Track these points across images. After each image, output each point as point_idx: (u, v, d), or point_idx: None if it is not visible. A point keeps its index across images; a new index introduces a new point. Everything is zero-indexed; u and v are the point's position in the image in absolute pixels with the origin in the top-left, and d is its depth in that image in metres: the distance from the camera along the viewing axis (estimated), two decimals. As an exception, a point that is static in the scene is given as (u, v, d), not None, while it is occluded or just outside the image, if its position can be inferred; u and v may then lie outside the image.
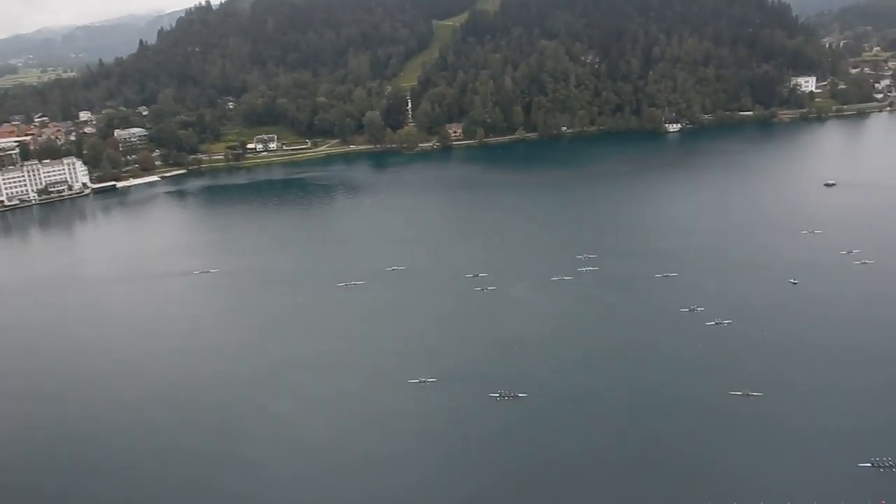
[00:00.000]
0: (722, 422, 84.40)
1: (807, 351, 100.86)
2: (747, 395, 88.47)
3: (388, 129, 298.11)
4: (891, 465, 72.63)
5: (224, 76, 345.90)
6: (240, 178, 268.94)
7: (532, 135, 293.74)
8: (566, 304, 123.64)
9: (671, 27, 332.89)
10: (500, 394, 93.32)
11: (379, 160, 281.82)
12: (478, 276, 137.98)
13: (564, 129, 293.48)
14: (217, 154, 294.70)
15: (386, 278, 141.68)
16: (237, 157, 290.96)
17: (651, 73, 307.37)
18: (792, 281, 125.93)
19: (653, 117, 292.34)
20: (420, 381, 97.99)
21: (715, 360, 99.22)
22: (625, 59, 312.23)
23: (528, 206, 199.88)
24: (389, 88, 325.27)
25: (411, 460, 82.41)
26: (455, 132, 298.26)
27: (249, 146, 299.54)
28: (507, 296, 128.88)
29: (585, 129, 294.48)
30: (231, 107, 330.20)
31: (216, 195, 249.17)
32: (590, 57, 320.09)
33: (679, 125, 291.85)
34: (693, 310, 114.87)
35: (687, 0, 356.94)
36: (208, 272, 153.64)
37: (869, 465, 73.46)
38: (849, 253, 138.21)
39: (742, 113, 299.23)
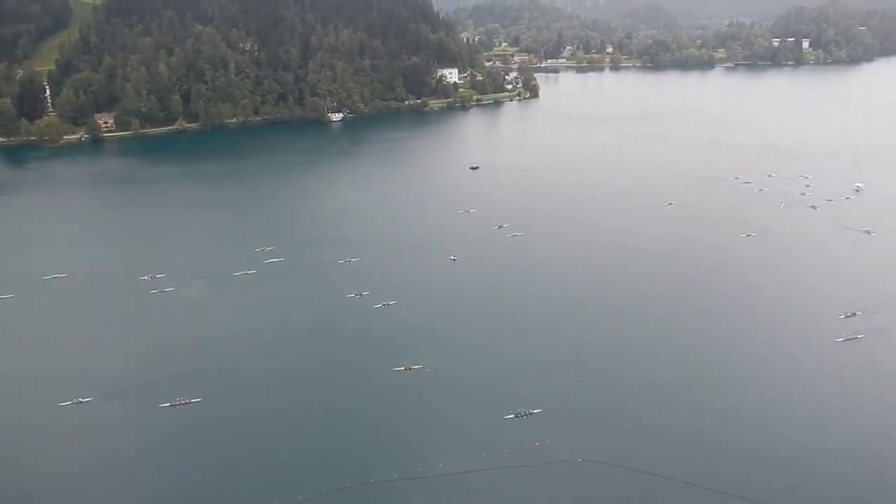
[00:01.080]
0: (387, 394, 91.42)
1: (463, 321, 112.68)
2: (409, 368, 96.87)
3: (24, 120, 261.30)
4: (527, 414, 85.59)
5: None
6: None
7: (194, 125, 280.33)
8: (247, 299, 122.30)
9: (326, 17, 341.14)
10: (172, 402, 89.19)
11: (14, 156, 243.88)
12: (155, 277, 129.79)
13: (228, 119, 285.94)
14: None
15: (42, 289, 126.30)
16: None
17: (311, 62, 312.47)
18: (452, 258, 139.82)
19: (316, 107, 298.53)
20: (74, 403, 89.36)
21: (381, 340, 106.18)
22: (284, 48, 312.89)
23: (202, 200, 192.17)
24: (21, 72, 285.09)
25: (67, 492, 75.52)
26: (106, 123, 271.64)
27: None
28: (186, 296, 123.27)
29: (250, 118, 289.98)
30: None
31: None
32: (248, 44, 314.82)
33: (342, 114, 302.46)
34: (360, 294, 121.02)
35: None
36: None
37: (513, 415, 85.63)
38: (500, 227, 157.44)
39: (397, 103, 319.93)
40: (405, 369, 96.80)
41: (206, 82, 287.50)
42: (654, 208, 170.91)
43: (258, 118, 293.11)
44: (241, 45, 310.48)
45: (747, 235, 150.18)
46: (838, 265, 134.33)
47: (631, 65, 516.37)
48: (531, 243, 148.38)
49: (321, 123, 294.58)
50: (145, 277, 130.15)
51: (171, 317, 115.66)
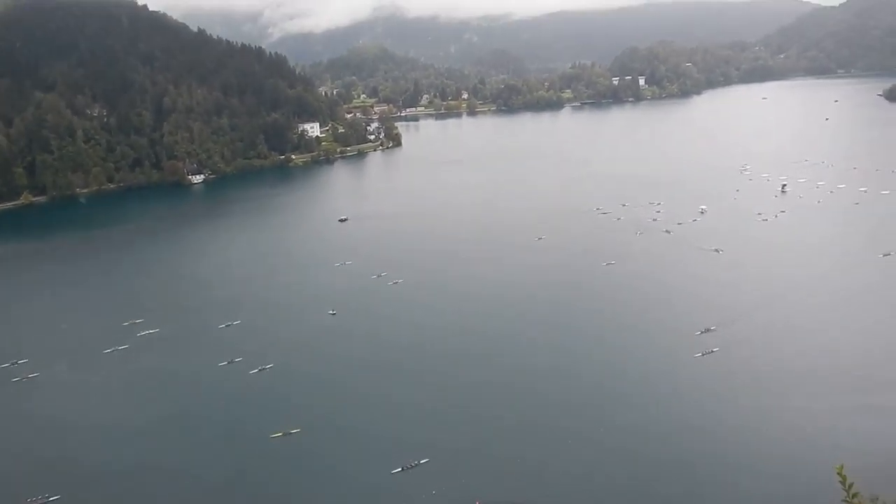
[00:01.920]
0: (265, 463, 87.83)
1: (344, 376, 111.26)
2: (287, 433, 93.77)
3: None
4: (416, 464, 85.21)
5: None
6: None
7: (41, 198, 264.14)
8: (119, 376, 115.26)
9: (178, 77, 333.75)
10: (30, 499, 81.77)
11: None
12: (17, 363, 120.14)
13: (80, 189, 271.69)
14: None
15: None
16: None
17: (165, 124, 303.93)
18: (331, 312, 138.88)
19: (175, 170, 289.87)
20: None
21: (257, 407, 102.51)
22: (135, 111, 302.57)
23: (61, 276, 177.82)
24: None
25: None
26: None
27: None
28: (51, 381, 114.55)
29: (104, 186, 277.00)
30: None
31: None
32: (96, 109, 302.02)
33: (202, 176, 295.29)
34: (232, 361, 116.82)
35: (189, 50, 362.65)
36: None
37: (400, 469, 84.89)
38: (378, 276, 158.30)
39: (260, 160, 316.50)
40: (283, 434, 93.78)
41: (52, 152, 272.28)
42: (524, 244, 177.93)
43: (113, 186, 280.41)
44: (89, 111, 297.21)
45: (607, 264, 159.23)
46: (693, 284, 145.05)
47: (486, 109, 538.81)
48: (411, 289, 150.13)
49: (182, 187, 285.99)
50: (6, 365, 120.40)
51: (37, 405, 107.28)
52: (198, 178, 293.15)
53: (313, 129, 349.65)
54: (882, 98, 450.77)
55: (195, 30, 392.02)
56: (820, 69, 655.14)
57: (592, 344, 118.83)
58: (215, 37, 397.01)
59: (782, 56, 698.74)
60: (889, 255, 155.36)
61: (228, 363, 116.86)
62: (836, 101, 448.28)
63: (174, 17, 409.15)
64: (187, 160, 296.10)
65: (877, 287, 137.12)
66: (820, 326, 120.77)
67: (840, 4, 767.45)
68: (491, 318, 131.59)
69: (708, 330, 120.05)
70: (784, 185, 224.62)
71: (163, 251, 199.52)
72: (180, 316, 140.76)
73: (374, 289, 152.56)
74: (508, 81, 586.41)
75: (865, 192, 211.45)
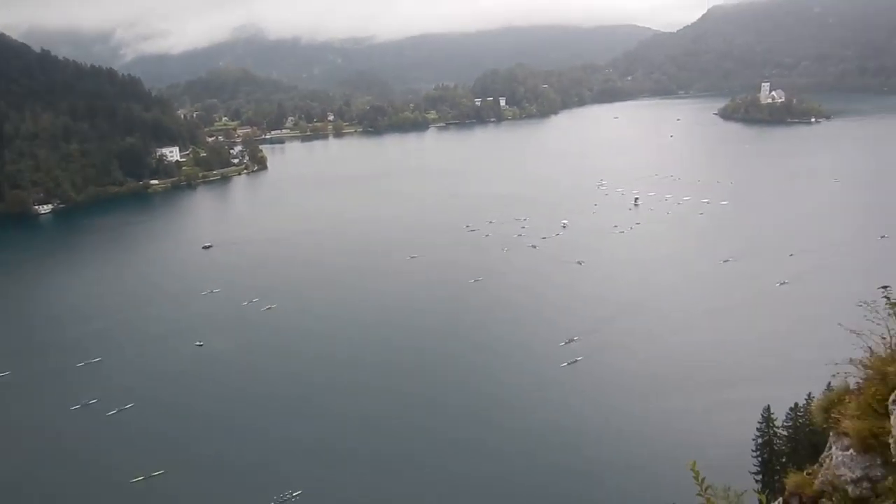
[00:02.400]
0: None
1: (210, 411, 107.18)
2: (149, 477, 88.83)
3: None
4: (288, 499, 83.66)
5: None
6: None
7: None
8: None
9: (20, 102, 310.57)
10: None
11: None
12: None
13: None
14: None
15: None
16: None
17: (7, 152, 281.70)
18: (198, 343, 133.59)
19: (19, 200, 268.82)
20: None
21: (116, 451, 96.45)
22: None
23: None
24: None
25: None
26: None
27: None
28: None
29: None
30: None
31: None
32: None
33: (51, 206, 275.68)
34: (86, 405, 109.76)
35: (32, 73, 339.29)
36: None
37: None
38: (249, 303, 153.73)
39: (115, 187, 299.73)
40: (145, 478, 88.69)
41: None
42: (397, 264, 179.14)
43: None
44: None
45: (475, 280, 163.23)
46: (557, 296, 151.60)
47: (353, 130, 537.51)
48: (285, 314, 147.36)
49: (27, 218, 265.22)
50: None
51: None
52: (45, 209, 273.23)
53: (173, 154, 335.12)
54: (717, 116, 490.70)
55: (38, 51, 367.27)
56: (663, 90, 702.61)
57: (465, 363, 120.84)
58: (61, 58, 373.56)
59: (629, 78, 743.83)
60: (728, 261, 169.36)
61: (82, 406, 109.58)
62: (679, 119, 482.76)
63: (13, 38, 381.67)
64: (33, 189, 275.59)
65: (719, 292, 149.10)
66: (673, 331, 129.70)
67: (677, 31, 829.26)
68: (367, 341, 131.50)
69: (572, 340, 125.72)
70: (636, 199, 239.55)
71: (7, 288, 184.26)
72: (31, 358, 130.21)
73: (246, 316, 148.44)
74: (374, 103, 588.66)
75: (707, 203, 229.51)
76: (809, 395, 62.65)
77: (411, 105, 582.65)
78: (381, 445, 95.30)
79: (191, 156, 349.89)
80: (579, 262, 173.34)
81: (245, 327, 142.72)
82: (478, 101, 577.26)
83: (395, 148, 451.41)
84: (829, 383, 14.69)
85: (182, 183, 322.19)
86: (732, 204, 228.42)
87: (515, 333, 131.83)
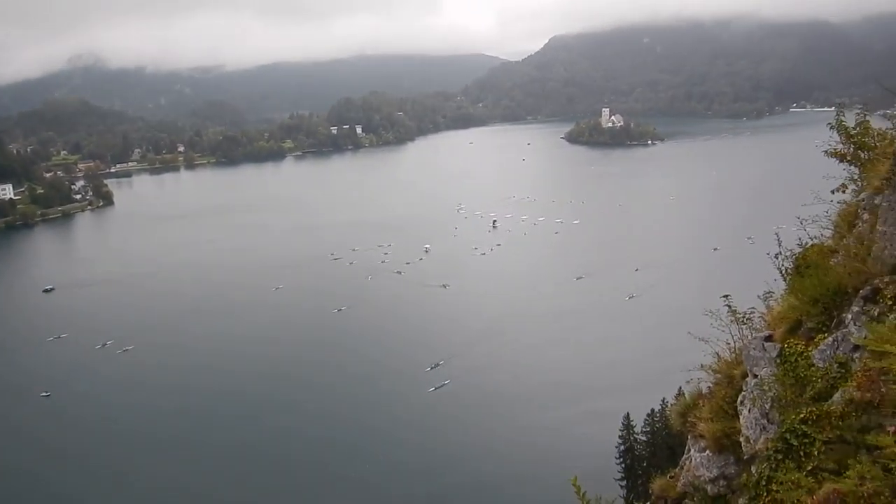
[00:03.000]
0: None
1: (61, 467, 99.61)
2: None
3: None
4: None
5: None
6: None
7: None
8: None
9: None
10: None
11: None
12: None
13: None
14: None
15: None
16: None
17: None
18: (43, 394, 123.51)
19: None
20: None
21: None
22: None
23: None
24: None
25: None
26: None
27: None
28: None
29: None
30: None
31: None
32: None
33: None
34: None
35: None
36: None
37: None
38: (103, 346, 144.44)
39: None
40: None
41: None
42: (262, 296, 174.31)
43: None
44: None
45: (340, 309, 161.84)
46: (422, 321, 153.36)
47: (206, 162, 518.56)
48: (144, 355, 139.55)
49: None
50: None
51: None
52: None
53: (5, 192, 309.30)
54: (564, 140, 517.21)
55: None
56: (513, 116, 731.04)
57: (332, 393, 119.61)
58: None
59: (481, 105, 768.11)
60: (581, 277, 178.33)
61: None
62: (529, 143, 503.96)
63: None
64: None
65: (577, 308, 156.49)
66: (536, 348, 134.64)
67: (523, 60, 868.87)
68: (233, 374, 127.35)
69: (437, 364, 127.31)
70: (494, 221, 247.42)
71: None
72: None
73: (100, 360, 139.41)
74: (227, 133, 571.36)
75: (561, 223, 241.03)
76: (664, 400, 67.05)
77: (266, 134, 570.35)
78: (252, 480, 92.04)
79: (26, 193, 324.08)
80: (444, 286, 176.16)
81: (100, 371, 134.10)
82: (334, 130, 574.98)
83: (251, 179, 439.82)
84: (681, 389, 15.99)
85: (18, 223, 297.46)
86: (583, 223, 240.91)
87: (382, 361, 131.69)
